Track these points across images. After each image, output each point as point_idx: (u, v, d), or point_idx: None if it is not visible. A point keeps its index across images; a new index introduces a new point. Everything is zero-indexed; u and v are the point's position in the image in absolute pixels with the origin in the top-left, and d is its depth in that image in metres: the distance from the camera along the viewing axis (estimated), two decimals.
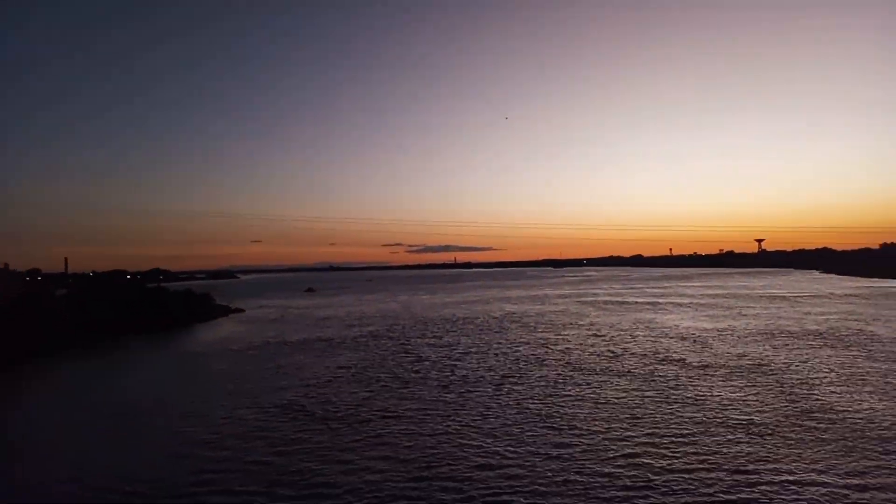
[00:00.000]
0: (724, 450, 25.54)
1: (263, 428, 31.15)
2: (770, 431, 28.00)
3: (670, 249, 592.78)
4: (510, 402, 34.93)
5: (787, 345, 54.53)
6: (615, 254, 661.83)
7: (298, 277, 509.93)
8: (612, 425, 29.62)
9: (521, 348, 56.20)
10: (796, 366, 44.19)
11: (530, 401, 35.27)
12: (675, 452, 25.30)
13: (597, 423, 30.19)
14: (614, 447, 26.21)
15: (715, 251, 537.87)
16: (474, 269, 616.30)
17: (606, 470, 23.50)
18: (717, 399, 34.59)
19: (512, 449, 26.27)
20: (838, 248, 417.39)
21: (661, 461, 24.30)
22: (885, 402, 32.91)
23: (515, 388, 38.96)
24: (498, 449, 26.34)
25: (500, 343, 60.16)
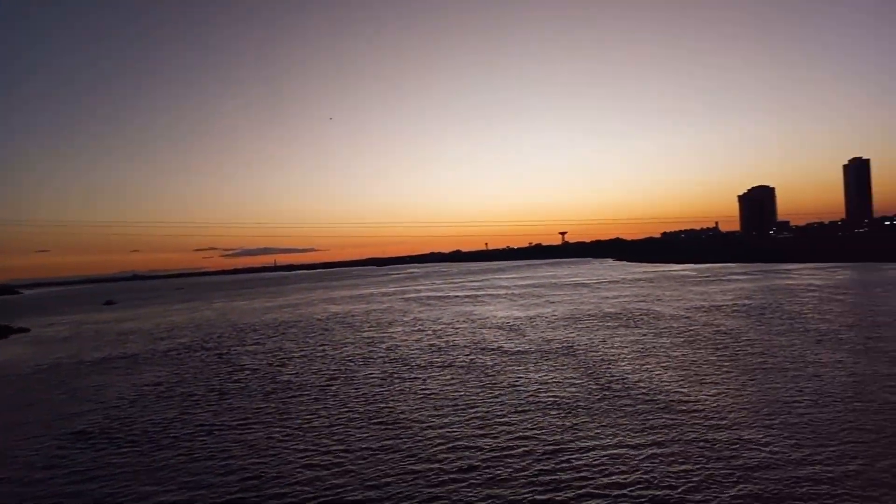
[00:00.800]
0: (539, 428, 27.34)
1: (57, 458, 27.42)
2: (577, 407, 30.51)
3: (486, 244, 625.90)
4: (337, 404, 34.35)
5: (589, 327, 60.05)
6: (436, 250, 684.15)
7: (96, 289, 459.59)
8: (437, 416, 30.36)
9: (346, 349, 55.65)
10: (597, 346, 48.75)
11: (357, 400, 34.99)
12: (496, 435, 26.56)
13: (423, 415, 30.75)
14: (440, 436, 26.86)
15: (525, 244, 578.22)
16: (296, 272, 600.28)
17: (433, 459, 23.99)
18: (532, 382, 36.98)
19: (341, 450, 25.81)
20: (629, 237, 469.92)
21: (484, 444, 25.36)
22: (668, 373, 37.47)
23: (342, 389, 38.43)
24: (326, 452, 25.73)
25: (325, 345, 59.06)
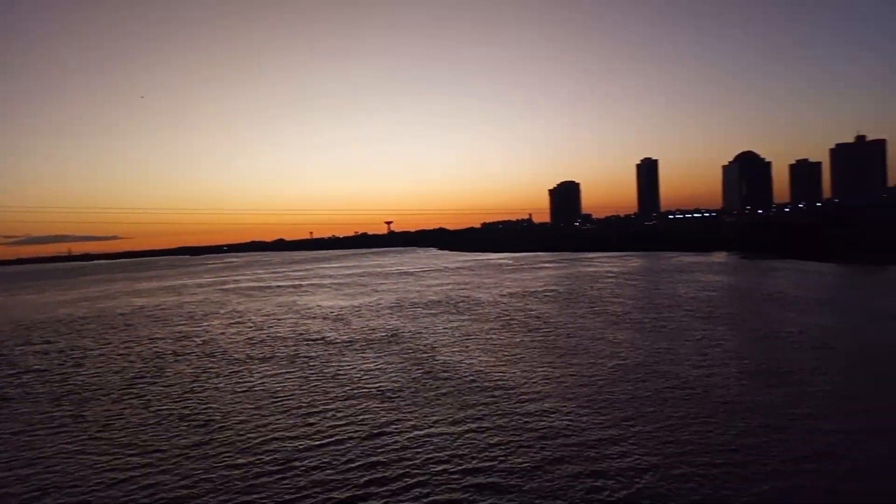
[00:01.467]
0: (362, 415, 27.29)
1: None
2: (401, 393, 30.94)
3: (311, 232, 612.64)
4: (142, 406, 31.45)
5: (414, 315, 61.29)
6: (257, 238, 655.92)
7: None
8: (256, 410, 29.05)
9: (154, 345, 51.28)
10: (421, 333, 49.89)
11: (167, 400, 32.34)
12: (317, 425, 26.02)
13: (240, 411, 29.23)
14: (257, 431, 25.71)
15: (351, 233, 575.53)
16: (96, 262, 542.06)
17: (249, 453, 22.89)
18: (356, 371, 36.82)
19: (145, 457, 23.61)
20: (452, 227, 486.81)
21: (304, 435, 24.74)
22: (487, 356, 39.41)
23: (149, 388, 35.29)
24: (129, 456, 23.40)
25: (128, 341, 53.91)
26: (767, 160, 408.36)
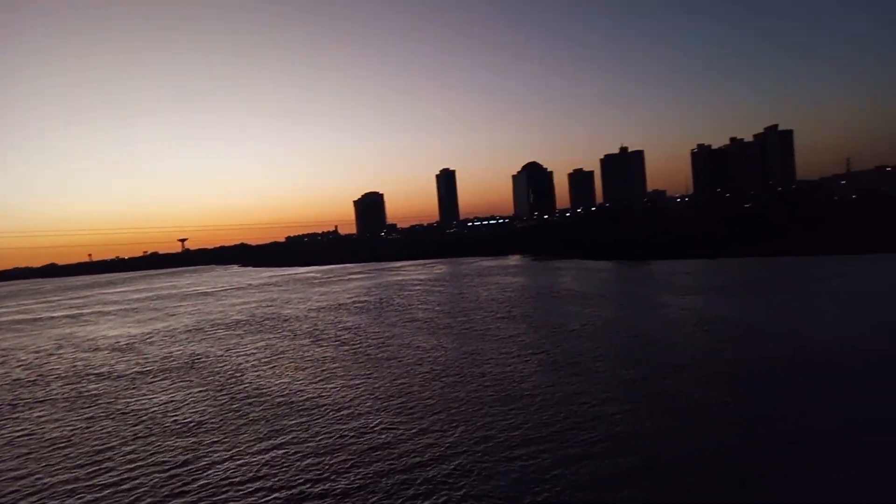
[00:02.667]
0: (160, 455, 24.86)
1: None
2: (203, 424, 28.75)
3: (90, 255, 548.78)
4: None
5: (216, 337, 57.51)
6: (21, 265, 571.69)
7: None
8: (24, 459, 25.09)
9: None
10: (225, 356, 46.94)
11: None
12: (107, 474, 23.18)
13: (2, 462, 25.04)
14: (27, 481, 22.22)
15: (139, 253, 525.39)
16: None
17: None
18: (153, 405, 33.53)
19: None
20: (253, 242, 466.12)
21: (89, 491, 21.89)
22: (299, 374, 38.21)
23: None
24: None
25: None
26: (550, 170, 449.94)
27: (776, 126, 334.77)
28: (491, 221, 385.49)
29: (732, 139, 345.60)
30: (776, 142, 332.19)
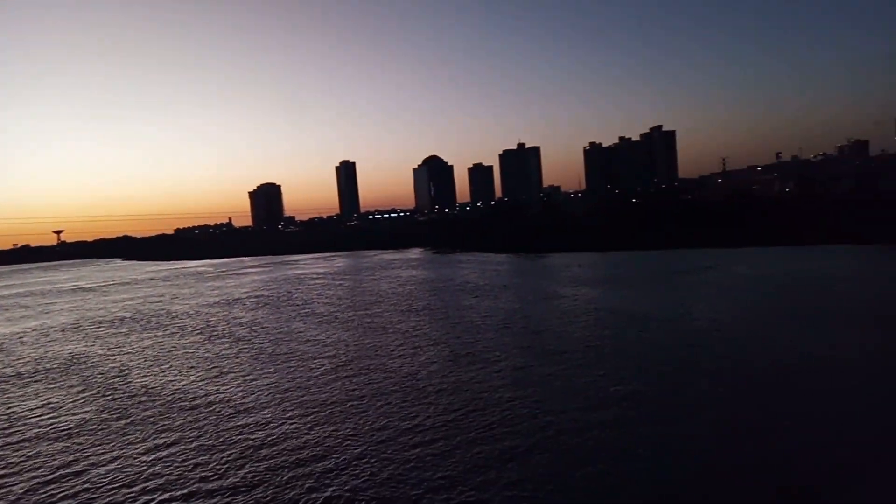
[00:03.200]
0: (35, 462, 23.02)
1: None
2: (87, 428, 26.91)
3: None
4: None
5: (98, 336, 53.81)
6: None
7: None
8: None
9: None
10: (109, 356, 44.06)
11: None
12: None
13: None
14: None
15: (9, 246, 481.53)
16: None
17: None
18: (27, 410, 30.93)
19: None
20: (138, 235, 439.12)
21: None
22: (190, 372, 36.53)
23: None
24: None
25: None
26: (450, 164, 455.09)
27: (661, 126, 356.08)
28: (392, 215, 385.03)
29: (621, 138, 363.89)
30: (661, 141, 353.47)
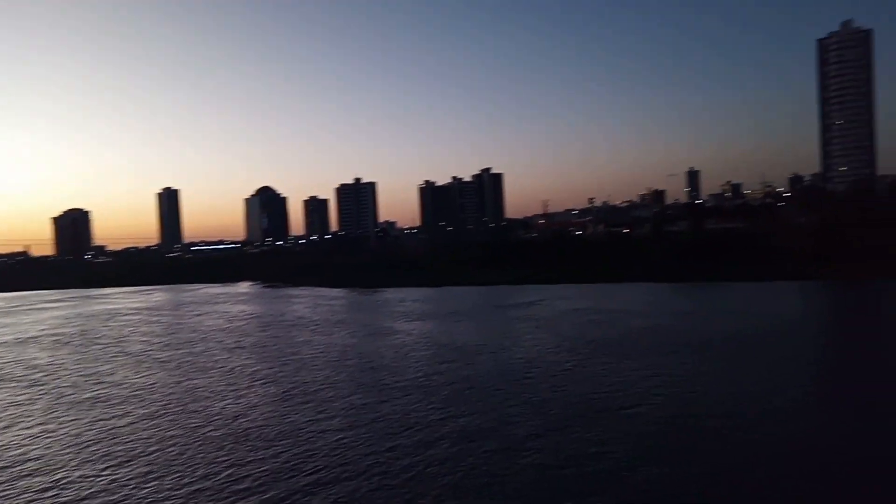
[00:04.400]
0: None
1: None
2: None
3: None
4: None
5: None
6: None
7: None
8: None
9: None
10: None
11: None
12: None
13: None
14: None
15: None
16: None
17: None
18: None
19: None
20: None
21: None
22: None
23: None
24: None
25: None
26: (284, 195, 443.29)
27: (490, 169, 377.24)
28: (220, 246, 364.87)
29: (454, 178, 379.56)
30: (490, 183, 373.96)
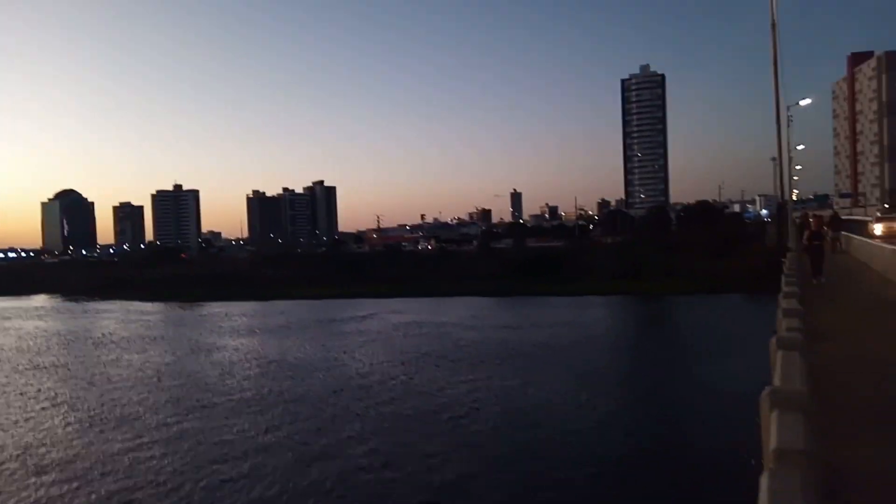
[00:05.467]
0: None
1: None
2: None
3: None
4: None
5: None
6: None
7: None
8: None
9: None
10: None
11: None
12: None
13: None
14: None
15: None
16: None
17: None
18: None
19: None
20: None
21: None
22: None
23: None
24: None
25: None
26: (91, 200, 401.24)
27: (323, 181, 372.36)
28: (11, 255, 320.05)
29: (285, 189, 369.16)
30: (323, 195, 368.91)
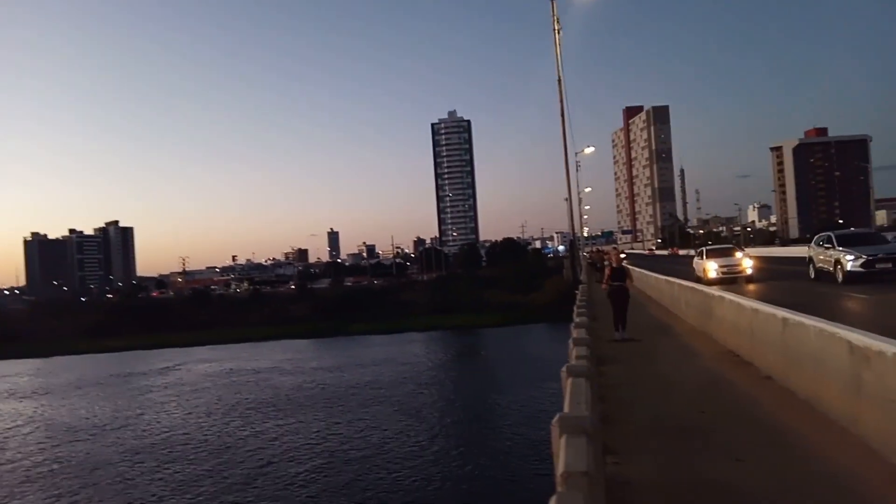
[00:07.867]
0: None
1: None
2: None
3: None
4: None
5: None
6: None
7: None
8: None
9: None
10: None
11: None
12: None
13: None
14: None
15: None
16: None
17: None
18: None
19: None
20: None
21: None
22: None
23: None
24: None
25: None
26: None
27: (117, 222, 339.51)
28: None
29: (72, 230, 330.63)
30: (117, 237, 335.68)
